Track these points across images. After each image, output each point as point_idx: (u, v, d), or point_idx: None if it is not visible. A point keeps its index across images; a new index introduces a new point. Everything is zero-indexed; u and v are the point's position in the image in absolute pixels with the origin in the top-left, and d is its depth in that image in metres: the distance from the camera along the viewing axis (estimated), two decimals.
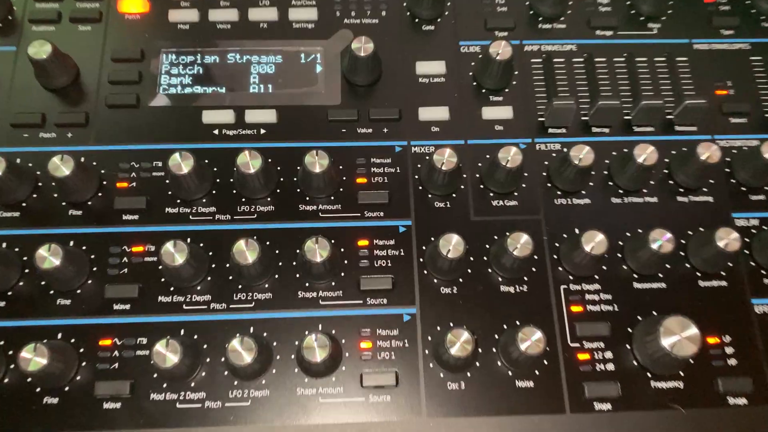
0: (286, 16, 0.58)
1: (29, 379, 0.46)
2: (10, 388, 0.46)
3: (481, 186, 0.53)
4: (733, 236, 0.48)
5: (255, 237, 0.48)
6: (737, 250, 0.48)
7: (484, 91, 0.56)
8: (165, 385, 0.47)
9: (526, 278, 0.50)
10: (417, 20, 0.59)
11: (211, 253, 0.50)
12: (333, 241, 0.49)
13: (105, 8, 0.58)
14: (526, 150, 0.54)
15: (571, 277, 0.51)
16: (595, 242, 0.48)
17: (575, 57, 0.58)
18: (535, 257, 0.51)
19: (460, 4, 0.60)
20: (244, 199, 0.52)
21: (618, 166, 0.53)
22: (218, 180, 0.52)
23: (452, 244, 0.48)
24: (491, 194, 0.53)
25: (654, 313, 0.50)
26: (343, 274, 0.50)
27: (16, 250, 0.50)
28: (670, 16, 0.60)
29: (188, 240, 0.49)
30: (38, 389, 0.46)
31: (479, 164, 0.54)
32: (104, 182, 0.52)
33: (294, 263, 0.50)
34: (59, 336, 0.48)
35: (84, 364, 0.47)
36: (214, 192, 0.52)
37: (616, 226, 0.52)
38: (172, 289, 0.49)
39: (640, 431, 0.47)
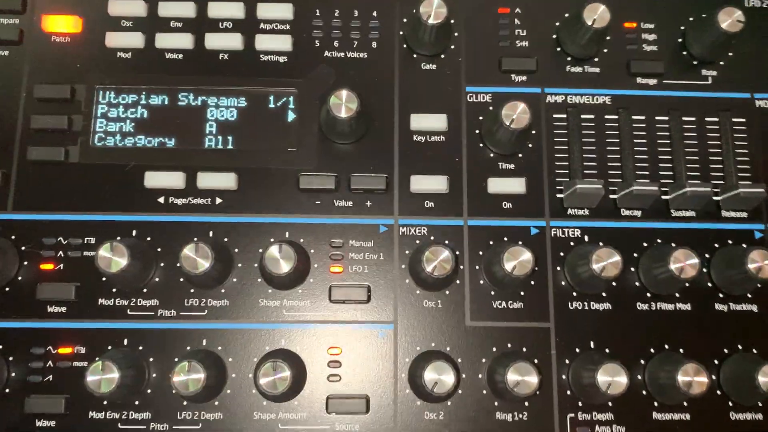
0: (253, 44, 0.47)
1: None
2: None
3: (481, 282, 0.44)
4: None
5: (204, 339, 0.41)
6: None
7: (492, 155, 0.46)
8: (105, 403, 0.41)
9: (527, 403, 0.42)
10: (415, 55, 0.47)
11: (150, 359, 0.42)
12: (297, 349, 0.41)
13: (27, 26, 0.47)
14: (538, 235, 0.45)
15: (579, 404, 0.43)
16: (612, 380, 0.40)
17: (608, 113, 0.47)
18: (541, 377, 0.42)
19: (469, 37, 0.48)
20: (192, 291, 0.43)
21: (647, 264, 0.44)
22: (162, 264, 0.43)
23: None
24: (493, 294, 0.44)
25: None
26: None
27: None
28: (731, 59, 0.48)
29: (124, 342, 0.41)
30: None
31: (480, 252, 0.44)
32: (25, 262, 0.43)
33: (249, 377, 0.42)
34: None
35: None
36: (157, 279, 0.43)
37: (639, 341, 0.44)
38: (104, 403, 0.41)
39: None
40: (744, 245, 0.45)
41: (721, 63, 0.48)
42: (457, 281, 0.44)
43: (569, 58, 0.48)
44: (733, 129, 0.47)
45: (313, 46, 0.47)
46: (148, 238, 0.44)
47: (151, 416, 0.42)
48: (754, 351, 0.44)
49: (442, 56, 0.48)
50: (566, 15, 0.48)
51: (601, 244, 0.43)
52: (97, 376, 0.39)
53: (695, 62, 0.48)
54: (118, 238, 0.42)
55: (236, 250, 0.44)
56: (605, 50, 0.48)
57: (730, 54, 0.48)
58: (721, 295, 0.45)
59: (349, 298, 0.44)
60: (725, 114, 0.47)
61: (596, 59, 0.48)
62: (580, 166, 0.46)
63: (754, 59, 0.49)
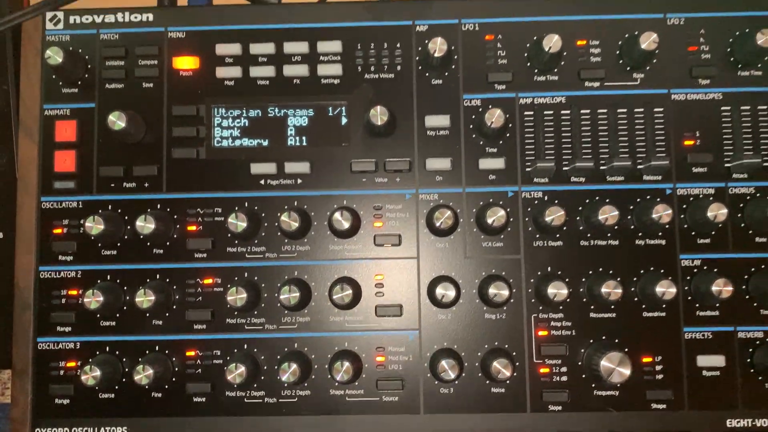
0: (316, 71, 0.68)
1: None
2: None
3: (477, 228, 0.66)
4: (671, 289, 0.61)
5: (296, 272, 0.65)
6: (673, 297, 0.62)
7: (481, 143, 0.67)
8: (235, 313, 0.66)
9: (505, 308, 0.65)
10: (427, 74, 0.68)
11: (263, 285, 0.66)
12: (356, 276, 0.65)
13: (162, 66, 0.69)
14: (513, 198, 0.66)
15: (541, 308, 0.65)
16: (558, 291, 0.62)
17: (563, 109, 0.67)
18: (513, 290, 0.65)
19: (465, 58, 0.68)
20: (286, 241, 0.66)
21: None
22: (266, 224, 0.67)
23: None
24: (482, 237, 0.66)
25: (604, 338, 0.64)
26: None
27: (117, 281, 0.66)
28: (655, 65, 0.67)
29: (245, 275, 0.66)
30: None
31: (474, 210, 0.66)
32: (177, 226, 0.67)
33: (326, 294, 0.65)
34: (156, 348, 0.66)
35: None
36: (263, 234, 0.67)
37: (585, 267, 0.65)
38: (236, 313, 0.66)
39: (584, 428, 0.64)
40: (658, 199, 0.65)
41: (647, 68, 0.68)
42: (458, 230, 0.66)
43: (536, 71, 0.68)
44: (654, 117, 0.67)
45: (357, 71, 0.69)
46: (255, 208, 0.67)
47: (265, 321, 0.66)
48: (662, 271, 0.65)
49: (446, 74, 0.68)
50: (534, 39, 0.67)
51: (556, 201, 0.65)
52: (233, 297, 0.63)
53: (628, 68, 0.68)
54: (236, 208, 0.65)
55: (313, 214, 0.67)
56: (562, 62, 0.68)
57: (654, 61, 0.68)
58: (640, 234, 0.66)
59: (386, 242, 0.66)
60: (649, 105, 0.67)
61: (555, 70, 0.68)
62: (542, 145, 0.67)
63: (671, 64, 0.68)
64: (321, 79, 0.68)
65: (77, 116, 0.68)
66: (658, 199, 0.64)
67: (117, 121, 0.64)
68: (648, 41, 0.64)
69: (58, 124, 0.68)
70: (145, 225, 0.63)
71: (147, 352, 0.65)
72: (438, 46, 0.64)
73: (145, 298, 0.63)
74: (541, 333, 0.65)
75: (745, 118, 0.66)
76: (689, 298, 0.65)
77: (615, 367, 0.61)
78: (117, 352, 0.66)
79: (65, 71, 0.67)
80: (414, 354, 0.65)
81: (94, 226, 0.64)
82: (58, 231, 0.67)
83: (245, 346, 0.66)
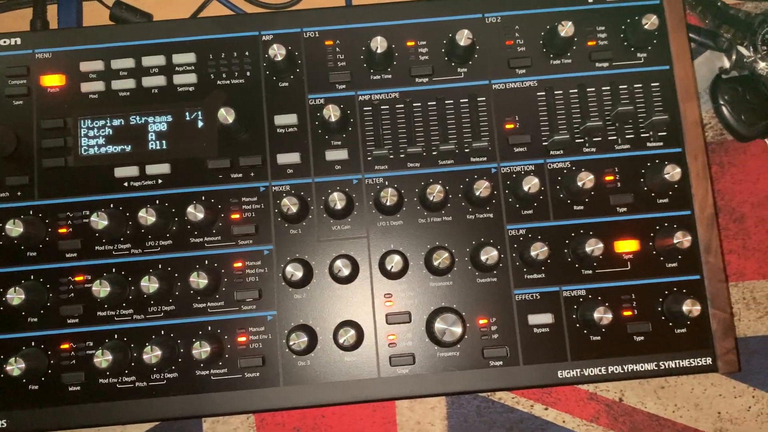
0: (172, 81, 0.75)
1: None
2: None
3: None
4: (492, 253, 0.69)
5: (160, 266, 0.70)
6: (496, 262, 0.69)
7: (326, 137, 0.74)
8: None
9: None
10: (274, 78, 0.75)
11: (130, 279, 0.71)
12: (216, 264, 0.70)
13: (31, 84, 0.75)
14: (358, 185, 0.73)
15: (386, 282, 0.72)
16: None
17: (397, 103, 0.75)
18: (360, 268, 0.71)
19: (309, 62, 0.75)
20: (150, 236, 0.72)
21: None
22: (130, 223, 0.72)
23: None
24: (331, 222, 0.73)
25: (443, 304, 0.71)
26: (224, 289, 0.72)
27: None
28: (477, 59, 0.76)
29: (112, 270, 0.71)
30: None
31: (322, 197, 0.73)
32: (50, 229, 0.72)
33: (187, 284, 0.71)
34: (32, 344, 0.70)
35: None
36: (128, 232, 0.72)
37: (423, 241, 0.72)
38: (106, 306, 0.71)
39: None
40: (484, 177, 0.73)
41: (470, 63, 0.76)
42: (310, 217, 0.73)
43: (371, 71, 0.75)
44: (478, 106, 0.75)
45: (210, 79, 0.75)
46: (120, 208, 0.73)
47: (133, 311, 0.71)
48: (491, 241, 0.73)
49: (292, 77, 0.75)
50: (367, 42, 0.75)
51: (395, 186, 0.72)
52: (97, 288, 0.68)
53: (452, 64, 0.76)
54: (100, 209, 0.71)
55: (174, 210, 0.73)
56: (394, 62, 0.75)
57: (476, 56, 0.76)
58: (470, 210, 0.73)
59: (243, 232, 0.72)
60: (473, 96, 0.75)
61: (389, 69, 0.76)
62: (381, 136, 0.74)
63: (491, 58, 0.76)
64: (177, 87, 0.75)
65: None
66: (483, 177, 0.72)
67: None
68: (463, 37, 0.72)
69: None
70: (14, 228, 0.69)
71: (23, 348, 0.70)
72: (277, 51, 0.72)
73: (15, 296, 0.68)
74: (388, 304, 0.71)
75: (559, 102, 0.75)
76: (517, 264, 0.72)
77: (448, 327, 0.68)
78: None
79: None
80: (273, 332, 0.71)
81: None
82: None
83: (115, 336, 0.71)
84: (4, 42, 0.75)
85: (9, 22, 0.86)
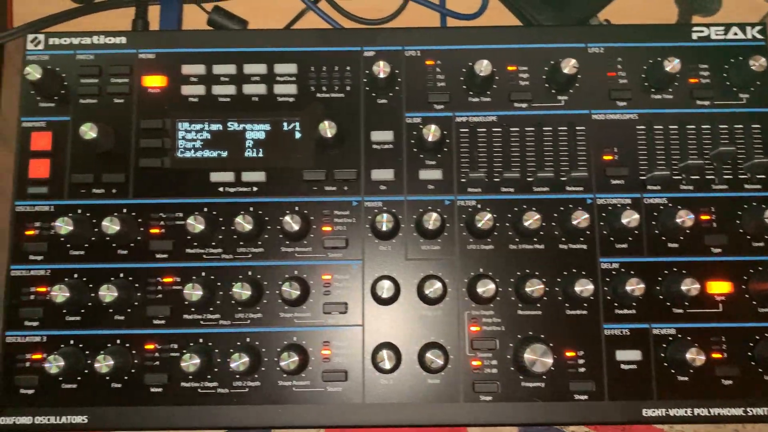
0: (273, 90, 0.75)
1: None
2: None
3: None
4: (588, 286, 0.68)
5: (249, 273, 0.70)
6: (590, 295, 0.68)
7: (421, 156, 0.74)
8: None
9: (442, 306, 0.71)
10: (373, 94, 0.75)
11: (219, 284, 0.71)
12: (305, 275, 0.70)
13: (133, 83, 0.75)
14: (450, 206, 0.73)
15: (473, 305, 0.71)
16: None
17: (495, 127, 0.74)
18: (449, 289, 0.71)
19: (408, 81, 0.75)
20: (242, 242, 0.72)
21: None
22: (223, 228, 0.72)
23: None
24: (421, 241, 0.72)
25: (530, 333, 0.70)
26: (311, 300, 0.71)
27: (84, 279, 0.71)
28: (577, 88, 0.75)
29: (202, 274, 0.71)
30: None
31: (413, 216, 0.73)
32: (141, 229, 0.73)
33: (276, 292, 0.71)
34: (118, 341, 0.70)
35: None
36: (220, 237, 0.72)
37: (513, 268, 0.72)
38: (193, 309, 0.71)
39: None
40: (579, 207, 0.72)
41: (570, 91, 0.75)
42: (400, 234, 0.72)
43: (470, 93, 0.75)
44: (576, 135, 0.75)
45: (310, 91, 0.76)
46: (214, 213, 0.73)
47: (220, 317, 0.71)
48: (583, 273, 0.72)
49: (391, 94, 0.75)
50: (469, 64, 0.75)
51: (488, 209, 0.72)
52: (189, 292, 0.68)
53: (552, 91, 0.75)
54: (196, 212, 0.71)
55: (267, 219, 0.72)
56: (494, 86, 0.75)
57: (577, 85, 0.75)
58: (563, 239, 0.72)
59: (334, 245, 0.71)
60: (572, 124, 0.75)
61: (488, 92, 0.75)
62: (476, 159, 0.74)
63: (592, 88, 0.75)
64: (277, 97, 0.75)
65: (53, 128, 0.74)
66: (579, 207, 0.71)
67: (88, 131, 0.70)
68: (569, 66, 0.72)
69: (33, 135, 0.74)
70: (111, 226, 0.69)
71: (109, 345, 0.70)
72: (382, 68, 0.72)
73: (108, 293, 0.68)
74: (474, 329, 0.71)
75: (658, 136, 0.74)
76: (608, 297, 0.71)
77: (538, 357, 0.67)
78: (80, 345, 0.70)
79: (42, 87, 0.73)
80: (357, 348, 0.71)
81: (64, 226, 0.69)
82: (30, 232, 0.72)
83: (201, 340, 0.71)
84: (109, 40, 0.76)
85: (106, 21, 0.87)
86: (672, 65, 0.72)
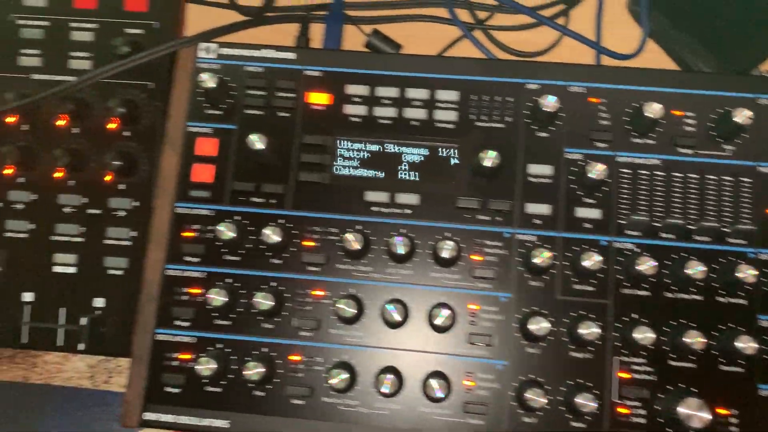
0: (432, 116, 0.76)
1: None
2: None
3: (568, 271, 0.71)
4: (752, 344, 0.65)
5: (398, 294, 0.71)
6: (754, 354, 0.66)
7: (579, 194, 0.73)
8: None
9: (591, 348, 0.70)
10: (534, 127, 0.75)
11: (367, 302, 0.72)
12: (452, 303, 0.70)
13: (297, 100, 0.77)
14: (607, 247, 0.72)
15: (624, 351, 0.69)
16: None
17: (657, 170, 0.73)
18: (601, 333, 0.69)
19: (570, 117, 0.75)
20: (391, 263, 0.73)
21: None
22: (374, 247, 0.73)
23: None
24: (575, 280, 0.71)
25: (683, 385, 0.68)
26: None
27: (237, 285, 0.73)
28: (744, 140, 0.73)
29: (348, 291, 0.72)
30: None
31: (567, 254, 0.72)
32: (295, 240, 0.74)
33: (424, 317, 0.71)
34: (265, 350, 0.72)
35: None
36: (371, 256, 0.73)
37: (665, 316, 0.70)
38: (339, 325, 0.72)
39: None
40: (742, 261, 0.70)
41: (737, 141, 0.74)
42: (553, 271, 0.72)
43: (634, 133, 0.74)
44: (741, 186, 0.73)
45: (469, 119, 0.76)
46: (367, 231, 0.74)
47: (365, 335, 0.72)
48: (741, 329, 0.69)
49: (552, 129, 0.75)
50: (636, 105, 0.74)
51: (646, 254, 0.70)
52: (341, 307, 0.69)
53: (719, 140, 0.74)
54: (352, 229, 0.72)
55: (418, 242, 0.73)
56: (659, 129, 0.74)
57: (744, 135, 0.73)
58: (722, 292, 0.70)
59: (483, 275, 0.71)
60: (737, 175, 0.73)
61: (652, 135, 0.74)
62: (636, 202, 0.72)
63: (759, 140, 0.73)
64: (436, 122, 0.76)
65: (218, 135, 0.77)
66: (742, 261, 0.69)
67: (257, 141, 0.72)
68: (742, 116, 0.70)
69: (198, 141, 0.77)
70: (271, 235, 0.71)
71: (255, 352, 0.71)
72: (550, 103, 0.72)
73: (264, 301, 0.69)
74: (624, 375, 0.69)
75: None
76: (764, 356, 0.69)
77: (694, 412, 0.65)
78: (228, 350, 0.72)
79: (213, 95, 0.76)
80: (501, 382, 0.70)
81: (226, 231, 0.71)
82: (188, 234, 0.75)
83: (346, 357, 0.71)
84: (279, 55, 0.79)
85: (265, 36, 0.90)
86: None
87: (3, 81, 0.83)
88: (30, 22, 0.84)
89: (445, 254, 0.70)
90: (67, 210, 0.79)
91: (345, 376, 0.67)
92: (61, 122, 0.80)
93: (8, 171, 0.80)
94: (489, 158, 0.71)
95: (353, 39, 0.89)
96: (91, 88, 0.80)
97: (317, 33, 0.89)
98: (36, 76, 0.83)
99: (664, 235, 0.72)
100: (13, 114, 0.80)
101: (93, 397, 0.85)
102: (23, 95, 0.80)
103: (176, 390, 0.72)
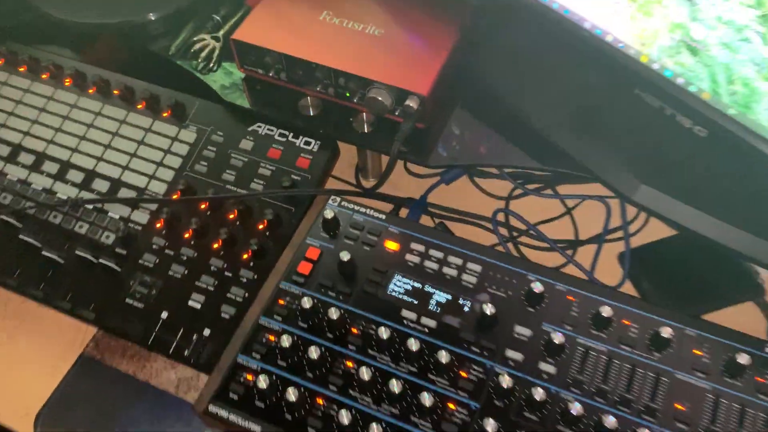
0: (460, 276, 1.13)
1: None
2: None
3: None
4: None
5: None
6: None
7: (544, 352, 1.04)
8: None
9: None
10: (525, 303, 1.09)
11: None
12: None
13: (378, 242, 1.17)
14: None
15: None
16: None
17: (602, 355, 1.03)
18: None
19: (551, 302, 1.09)
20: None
21: None
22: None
23: None
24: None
25: None
26: None
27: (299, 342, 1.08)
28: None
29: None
30: None
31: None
32: (348, 326, 1.09)
33: None
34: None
35: None
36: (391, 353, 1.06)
37: None
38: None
39: None
40: None
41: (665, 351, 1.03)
42: None
43: (593, 326, 1.06)
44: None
45: (484, 284, 1.12)
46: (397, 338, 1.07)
47: None
48: None
49: (537, 307, 1.09)
50: (596, 309, 1.07)
51: None
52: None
53: (651, 348, 1.03)
54: None
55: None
56: (611, 328, 1.06)
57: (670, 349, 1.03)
58: None
59: None
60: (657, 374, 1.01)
61: (606, 330, 1.06)
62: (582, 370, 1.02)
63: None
64: (462, 281, 1.12)
65: (321, 247, 1.17)
66: None
67: (344, 255, 1.11)
68: (667, 333, 1.01)
69: (309, 248, 1.17)
70: (332, 314, 1.06)
71: (292, 387, 1.03)
72: (536, 287, 1.07)
73: (313, 353, 1.03)
74: None
75: None
76: None
77: None
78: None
79: (328, 224, 1.18)
80: None
81: (304, 304, 1.08)
82: (281, 301, 1.11)
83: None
84: (376, 214, 1.21)
85: (370, 203, 1.33)
86: None
87: (208, 185, 1.30)
88: (235, 155, 1.33)
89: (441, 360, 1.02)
90: (212, 268, 1.20)
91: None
92: (231, 215, 1.24)
93: (187, 235, 1.24)
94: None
95: (425, 221, 1.30)
96: (257, 200, 1.26)
97: (404, 212, 1.31)
98: (228, 186, 1.29)
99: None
100: (206, 202, 1.26)
101: (175, 404, 1.18)
102: (217, 193, 1.26)
103: (235, 396, 1.04)
